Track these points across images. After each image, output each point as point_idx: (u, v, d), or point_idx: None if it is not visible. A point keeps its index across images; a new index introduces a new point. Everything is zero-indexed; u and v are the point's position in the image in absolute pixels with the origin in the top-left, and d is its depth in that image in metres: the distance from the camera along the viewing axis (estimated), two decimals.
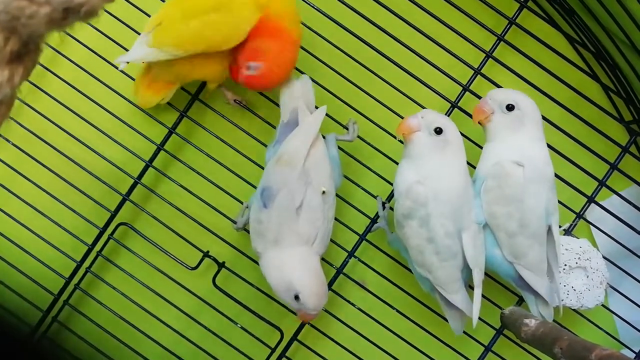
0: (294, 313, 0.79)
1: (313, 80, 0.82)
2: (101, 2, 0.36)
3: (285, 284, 0.73)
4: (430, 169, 0.74)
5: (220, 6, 0.74)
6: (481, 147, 0.79)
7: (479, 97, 0.82)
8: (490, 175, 0.75)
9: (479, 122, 0.78)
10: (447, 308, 0.79)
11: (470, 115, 0.80)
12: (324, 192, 0.75)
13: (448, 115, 0.85)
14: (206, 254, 0.84)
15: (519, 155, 0.75)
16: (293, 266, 0.73)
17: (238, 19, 0.75)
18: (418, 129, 0.75)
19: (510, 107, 0.76)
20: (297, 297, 0.73)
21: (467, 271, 0.76)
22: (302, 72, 0.83)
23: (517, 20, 0.85)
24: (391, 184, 0.80)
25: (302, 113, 0.76)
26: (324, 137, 0.79)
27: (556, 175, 0.82)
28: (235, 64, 0.77)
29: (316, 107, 0.79)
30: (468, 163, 0.79)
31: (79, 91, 0.84)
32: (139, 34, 0.80)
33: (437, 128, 0.74)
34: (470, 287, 0.78)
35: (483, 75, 0.85)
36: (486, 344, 0.86)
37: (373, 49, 0.83)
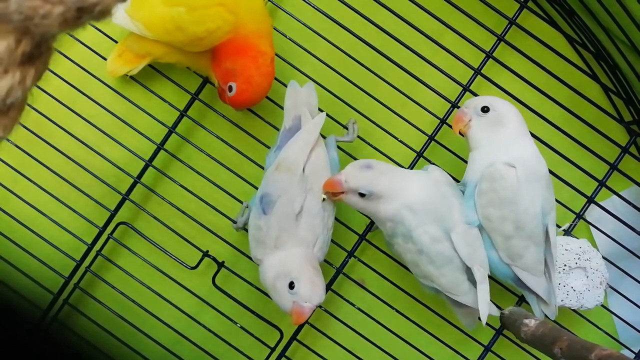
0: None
1: (314, 81, 0.82)
2: (115, 1, 0.35)
3: (282, 272, 0.72)
4: (392, 193, 0.73)
5: (194, 7, 0.73)
6: None
7: None
8: (484, 178, 0.75)
9: (460, 134, 0.78)
10: (457, 306, 0.79)
11: None
12: (324, 200, 0.75)
13: (448, 115, 0.85)
14: (206, 254, 0.84)
15: (509, 157, 0.74)
16: (292, 260, 0.73)
17: (203, 28, 0.73)
18: (343, 190, 0.73)
19: (485, 109, 0.76)
20: (292, 286, 0.71)
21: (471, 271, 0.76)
22: (302, 73, 0.83)
23: (517, 21, 0.85)
24: None
25: (306, 120, 0.76)
26: (324, 137, 0.79)
27: (556, 176, 0.83)
28: (220, 89, 0.78)
29: (320, 110, 0.79)
30: (461, 158, 0.79)
31: (79, 90, 0.84)
32: None
33: (361, 194, 0.73)
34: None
35: (483, 76, 0.85)
36: (486, 344, 0.86)
37: (373, 49, 0.83)
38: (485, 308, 0.74)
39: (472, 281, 0.76)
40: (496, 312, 0.77)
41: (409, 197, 0.73)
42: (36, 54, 0.37)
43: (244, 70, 0.74)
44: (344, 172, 0.73)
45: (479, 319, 0.75)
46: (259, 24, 0.76)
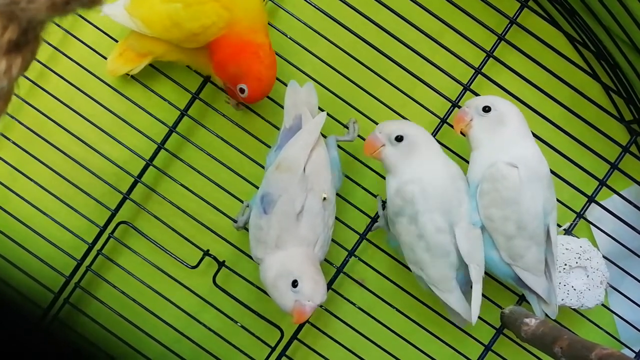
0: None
1: (314, 80, 0.82)
2: None
3: (284, 271, 0.72)
4: (411, 174, 0.74)
5: (190, 4, 0.73)
6: None
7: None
8: (485, 179, 0.75)
9: (462, 134, 0.78)
10: (447, 304, 0.79)
11: None
12: (324, 199, 0.75)
13: (448, 115, 0.85)
14: (206, 253, 0.84)
15: (510, 157, 0.74)
16: (294, 259, 0.73)
17: (198, 24, 0.73)
18: (382, 143, 0.75)
19: (486, 109, 0.76)
20: (295, 284, 0.71)
21: (464, 270, 0.76)
22: (303, 72, 0.83)
23: (517, 20, 0.85)
24: None
25: (306, 119, 0.76)
26: (324, 137, 0.79)
27: (557, 175, 0.83)
28: (229, 89, 0.78)
29: (320, 109, 0.79)
30: (462, 158, 0.80)
31: (79, 89, 0.84)
32: None
33: (397, 136, 0.75)
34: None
35: (484, 75, 0.85)
36: (486, 343, 0.86)
37: (374, 48, 0.83)
38: (477, 307, 0.75)
39: (460, 285, 0.76)
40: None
41: (427, 175, 0.74)
42: (23, 42, 0.35)
43: (250, 70, 0.75)
44: (376, 127, 0.77)
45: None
46: (254, 19, 0.76)
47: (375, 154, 0.76)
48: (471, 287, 0.77)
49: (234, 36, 0.75)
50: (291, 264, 0.72)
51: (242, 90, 0.76)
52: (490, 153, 0.75)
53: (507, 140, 0.75)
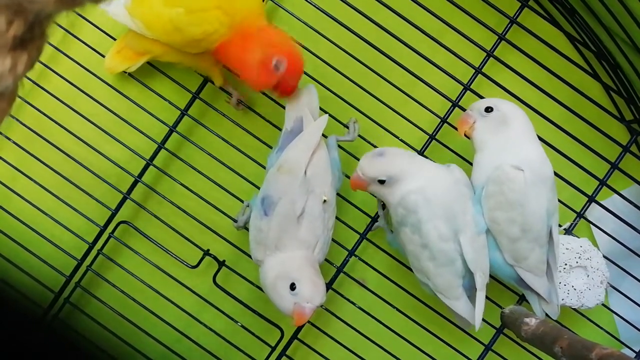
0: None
1: (314, 80, 0.82)
2: None
3: (283, 273, 0.72)
4: (413, 184, 0.73)
5: (193, 9, 0.73)
6: None
7: (480, 97, 0.83)
8: (491, 181, 0.74)
9: (465, 136, 0.78)
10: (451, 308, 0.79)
11: None
12: (324, 201, 0.75)
13: (449, 114, 0.85)
14: (207, 253, 0.84)
15: (515, 159, 0.74)
16: (293, 262, 0.73)
17: (200, 30, 0.73)
18: (367, 183, 0.75)
19: (489, 109, 0.76)
20: (293, 287, 0.71)
21: (470, 277, 0.76)
22: (303, 72, 0.83)
23: (518, 20, 0.85)
24: None
25: (308, 121, 0.76)
26: (325, 137, 0.79)
27: (557, 175, 0.82)
28: (256, 75, 0.75)
29: (321, 109, 0.79)
30: (462, 157, 0.79)
31: (79, 89, 0.84)
32: None
33: (380, 180, 0.74)
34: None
35: (484, 75, 0.85)
36: (486, 343, 0.86)
37: (374, 48, 0.83)
38: (481, 313, 0.75)
39: (466, 290, 0.76)
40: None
41: (428, 184, 0.73)
42: (28, 38, 0.34)
43: (277, 44, 0.73)
44: (358, 166, 0.75)
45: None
46: (255, 19, 0.75)
47: (362, 189, 0.76)
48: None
49: (243, 32, 0.74)
50: (290, 267, 0.73)
51: (277, 66, 0.73)
52: (494, 155, 0.75)
53: (511, 142, 0.75)
